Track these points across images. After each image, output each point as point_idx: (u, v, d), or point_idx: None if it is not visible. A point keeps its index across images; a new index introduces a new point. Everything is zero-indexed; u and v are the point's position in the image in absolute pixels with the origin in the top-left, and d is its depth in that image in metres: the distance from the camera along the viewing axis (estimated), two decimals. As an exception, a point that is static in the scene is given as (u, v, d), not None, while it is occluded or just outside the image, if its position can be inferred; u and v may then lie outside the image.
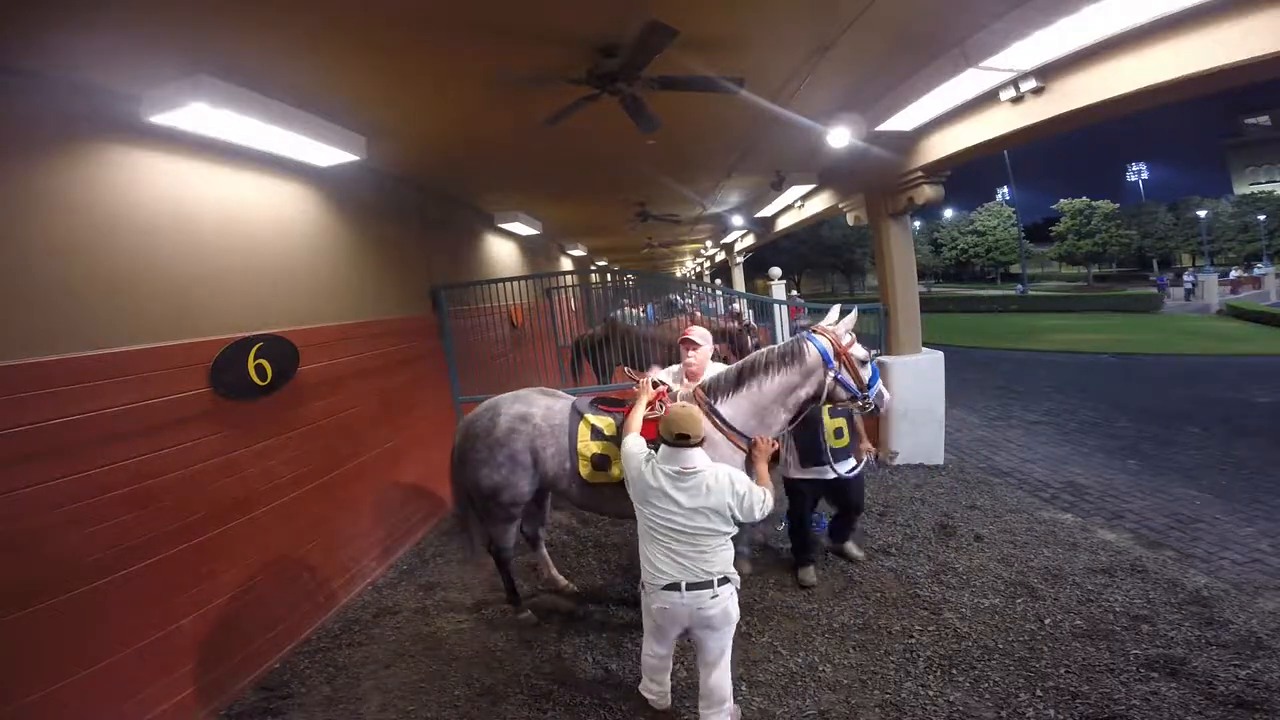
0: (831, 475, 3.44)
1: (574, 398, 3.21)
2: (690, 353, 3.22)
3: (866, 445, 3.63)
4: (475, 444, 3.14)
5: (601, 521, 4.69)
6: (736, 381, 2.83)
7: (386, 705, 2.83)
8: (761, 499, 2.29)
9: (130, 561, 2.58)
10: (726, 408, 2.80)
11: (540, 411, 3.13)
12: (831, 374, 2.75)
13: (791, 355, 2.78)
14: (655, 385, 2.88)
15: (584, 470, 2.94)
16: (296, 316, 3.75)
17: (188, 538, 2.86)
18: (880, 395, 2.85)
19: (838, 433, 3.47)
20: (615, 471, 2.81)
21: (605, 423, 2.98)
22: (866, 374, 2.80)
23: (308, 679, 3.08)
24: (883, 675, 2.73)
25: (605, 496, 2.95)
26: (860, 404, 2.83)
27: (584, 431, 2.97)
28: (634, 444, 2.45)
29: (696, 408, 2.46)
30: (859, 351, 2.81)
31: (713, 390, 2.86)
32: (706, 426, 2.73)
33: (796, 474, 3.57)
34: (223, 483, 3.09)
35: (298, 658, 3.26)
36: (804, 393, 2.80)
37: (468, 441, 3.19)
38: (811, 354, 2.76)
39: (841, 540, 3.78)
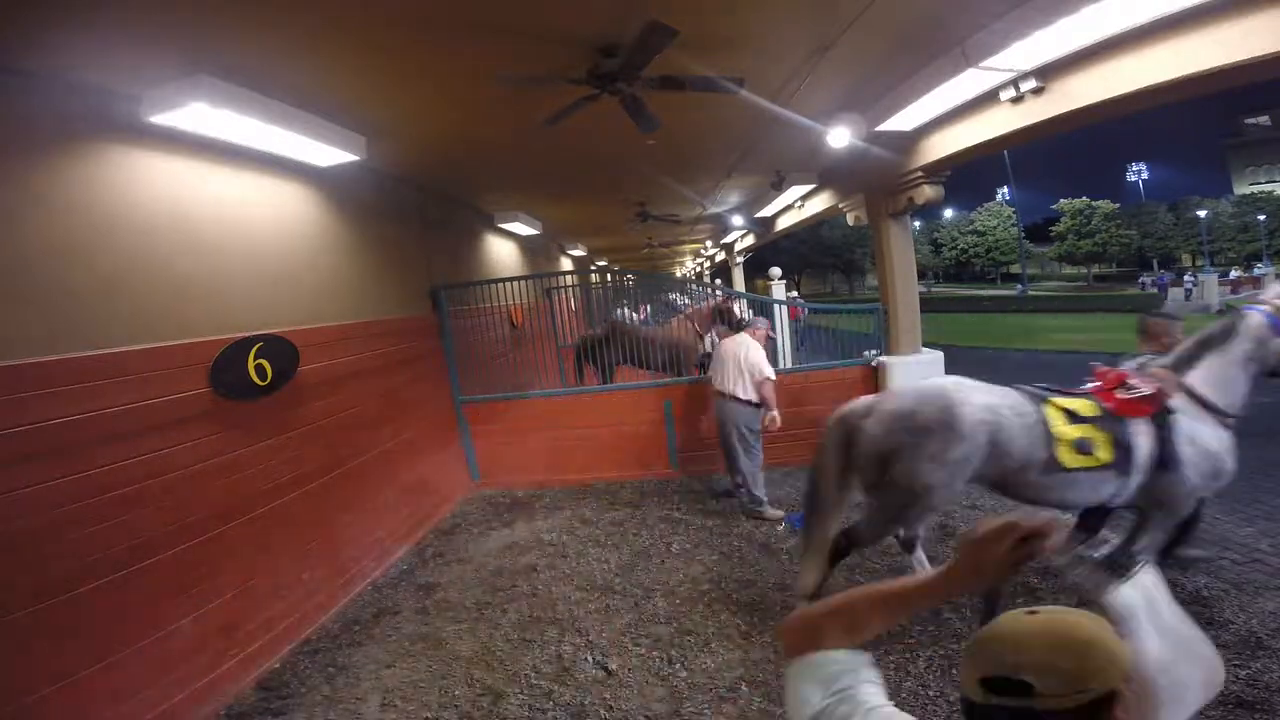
0: None
1: (1009, 387, 3.04)
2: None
3: None
4: (928, 438, 2.79)
5: (601, 521, 4.69)
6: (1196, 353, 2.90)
7: (386, 705, 2.83)
8: None
9: (130, 561, 2.59)
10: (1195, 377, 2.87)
11: (1009, 402, 2.88)
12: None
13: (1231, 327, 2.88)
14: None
15: (1064, 456, 2.75)
16: (296, 316, 3.75)
17: (188, 538, 2.86)
18: None
19: None
20: (1101, 455, 2.74)
21: (1080, 404, 2.83)
22: None
23: (308, 679, 3.07)
24: (882, 675, 2.72)
25: (1080, 484, 2.81)
26: None
27: (1055, 416, 2.79)
28: None
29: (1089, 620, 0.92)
30: None
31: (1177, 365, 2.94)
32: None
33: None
34: (223, 483, 3.09)
35: (298, 658, 3.26)
36: (1262, 361, 2.92)
37: (914, 435, 2.81)
38: (1258, 326, 2.83)
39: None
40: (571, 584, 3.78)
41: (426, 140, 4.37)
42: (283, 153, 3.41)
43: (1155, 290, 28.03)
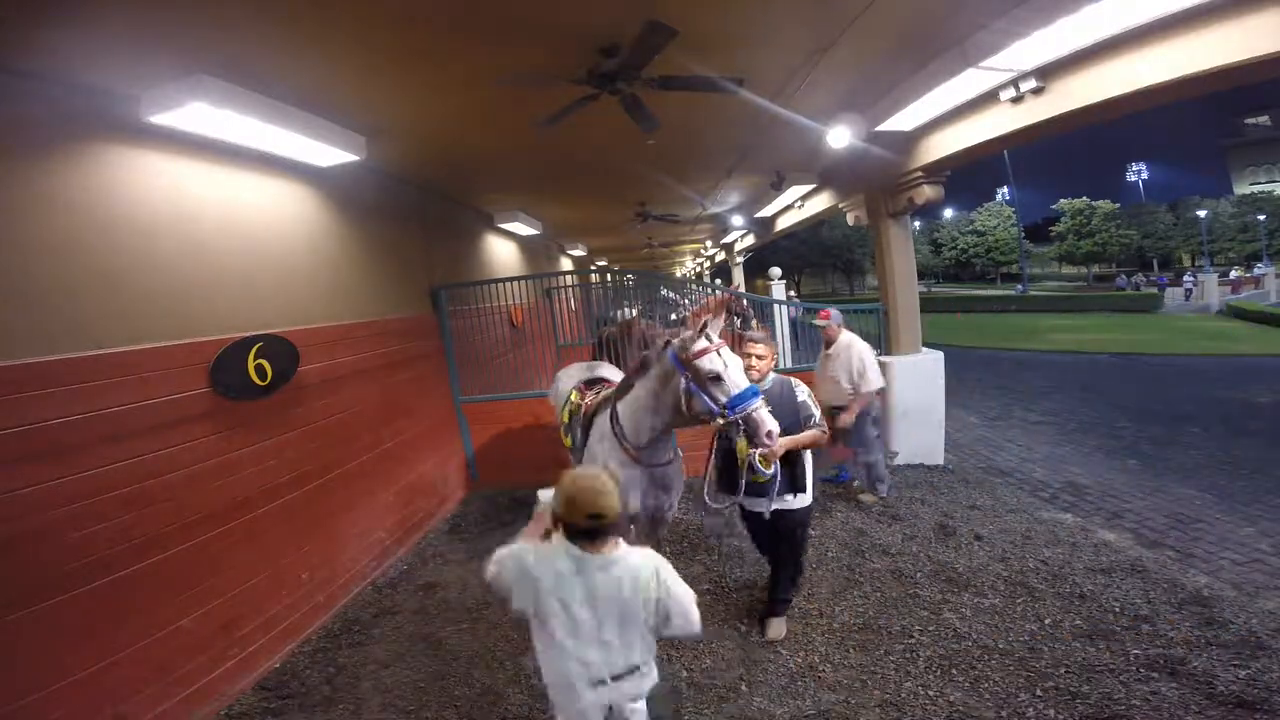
0: (759, 508, 2.94)
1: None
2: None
3: (836, 452, 3.09)
4: None
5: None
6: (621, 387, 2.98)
7: (386, 705, 2.83)
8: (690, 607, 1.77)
9: (130, 561, 2.58)
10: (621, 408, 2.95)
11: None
12: (683, 381, 2.56)
13: (647, 362, 2.78)
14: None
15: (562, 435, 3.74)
16: (296, 316, 3.75)
17: (188, 538, 2.86)
18: (755, 422, 2.41)
19: (752, 466, 2.77)
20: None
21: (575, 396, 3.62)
22: (723, 392, 2.47)
23: (308, 679, 3.07)
24: (883, 675, 2.73)
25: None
26: (719, 422, 2.51)
27: (575, 396, 3.69)
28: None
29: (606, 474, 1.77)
30: (709, 364, 2.47)
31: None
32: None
33: (713, 503, 3.05)
34: (223, 483, 3.09)
35: (298, 658, 3.26)
36: (668, 400, 2.66)
37: None
38: (665, 360, 2.65)
39: (770, 612, 3.16)
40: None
41: (427, 140, 4.36)
42: (283, 153, 3.41)
43: (1154, 290, 27.97)
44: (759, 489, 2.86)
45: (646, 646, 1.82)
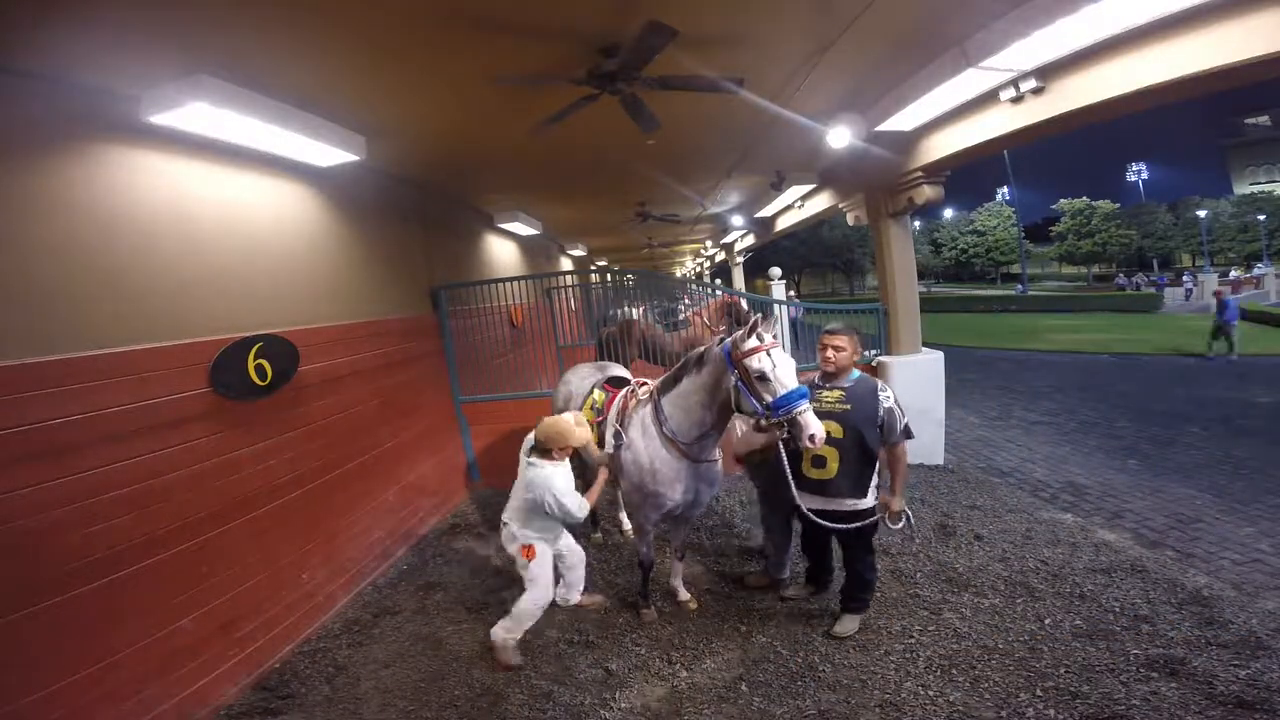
0: (802, 504, 2.84)
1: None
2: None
3: (893, 502, 2.86)
4: None
5: (601, 521, 4.69)
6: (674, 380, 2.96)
7: (386, 705, 2.83)
8: (574, 505, 2.80)
9: (130, 561, 2.59)
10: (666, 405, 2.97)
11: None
12: (733, 379, 2.61)
13: (703, 358, 2.79)
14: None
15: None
16: (296, 316, 3.75)
17: (188, 538, 2.86)
18: (798, 425, 2.43)
19: (816, 460, 2.85)
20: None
21: (596, 395, 3.54)
22: (769, 392, 2.49)
23: (308, 679, 3.07)
24: (883, 675, 2.73)
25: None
26: (764, 422, 2.57)
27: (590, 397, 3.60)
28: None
29: (563, 420, 2.85)
30: (757, 363, 2.50)
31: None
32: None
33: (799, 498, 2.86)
34: (223, 483, 3.09)
35: (298, 658, 3.26)
36: (720, 397, 2.71)
37: None
38: (718, 357, 2.69)
39: (841, 608, 3.11)
40: (571, 584, 3.77)
41: (426, 140, 4.37)
42: (283, 153, 3.41)
43: (1153, 290, 27.96)
44: (817, 487, 2.88)
45: (521, 517, 2.95)
